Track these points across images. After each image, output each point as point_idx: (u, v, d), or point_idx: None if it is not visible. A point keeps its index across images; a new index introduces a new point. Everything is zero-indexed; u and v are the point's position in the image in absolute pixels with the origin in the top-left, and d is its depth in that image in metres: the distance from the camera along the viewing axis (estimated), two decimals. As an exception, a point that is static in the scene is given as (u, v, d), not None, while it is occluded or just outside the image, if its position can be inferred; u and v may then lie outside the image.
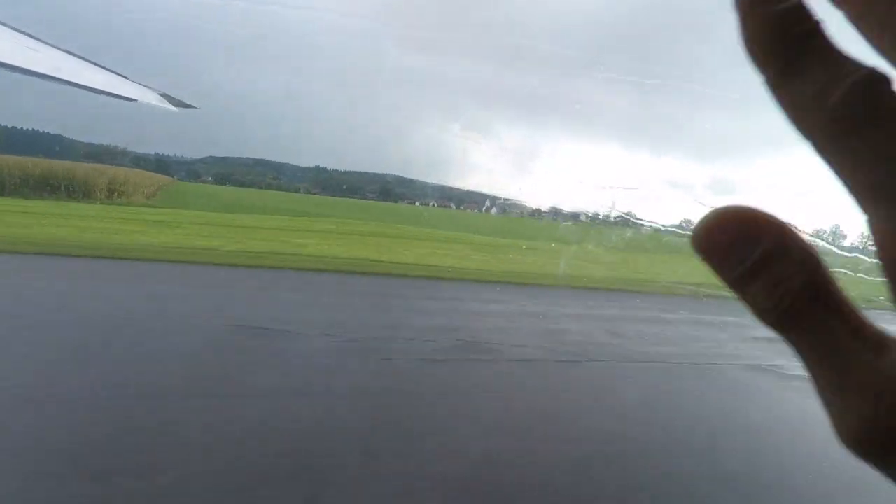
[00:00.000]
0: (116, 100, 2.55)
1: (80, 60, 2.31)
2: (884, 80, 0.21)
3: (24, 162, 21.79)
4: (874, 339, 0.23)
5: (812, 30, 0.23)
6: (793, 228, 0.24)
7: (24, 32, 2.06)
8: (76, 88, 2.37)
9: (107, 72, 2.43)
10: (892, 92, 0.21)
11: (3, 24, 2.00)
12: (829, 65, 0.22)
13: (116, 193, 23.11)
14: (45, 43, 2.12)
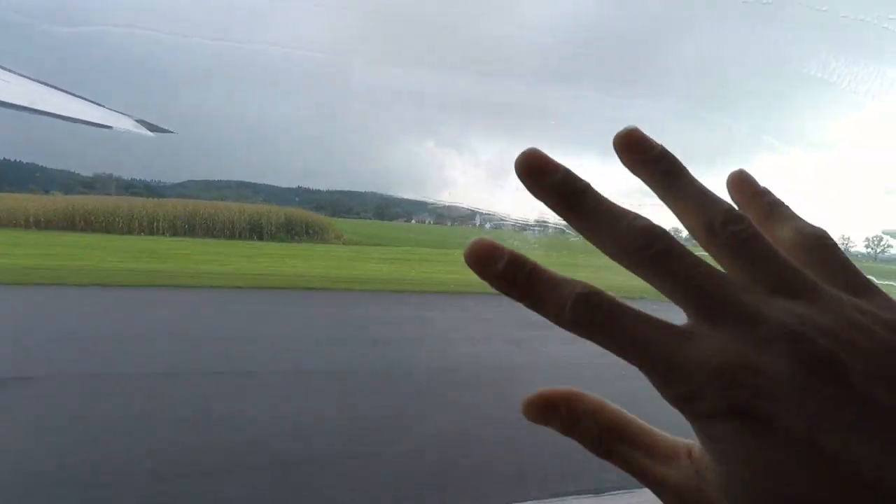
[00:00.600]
0: (89, 126, 2.48)
1: (51, 89, 2.25)
2: (592, 295, 0.28)
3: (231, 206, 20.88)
4: (664, 453, 0.30)
5: (582, 189, 0.31)
6: (582, 397, 0.32)
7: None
8: (48, 117, 2.31)
9: (80, 99, 2.38)
10: (607, 302, 0.27)
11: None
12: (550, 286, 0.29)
13: (309, 233, 22.33)
14: (14, 72, 2.06)
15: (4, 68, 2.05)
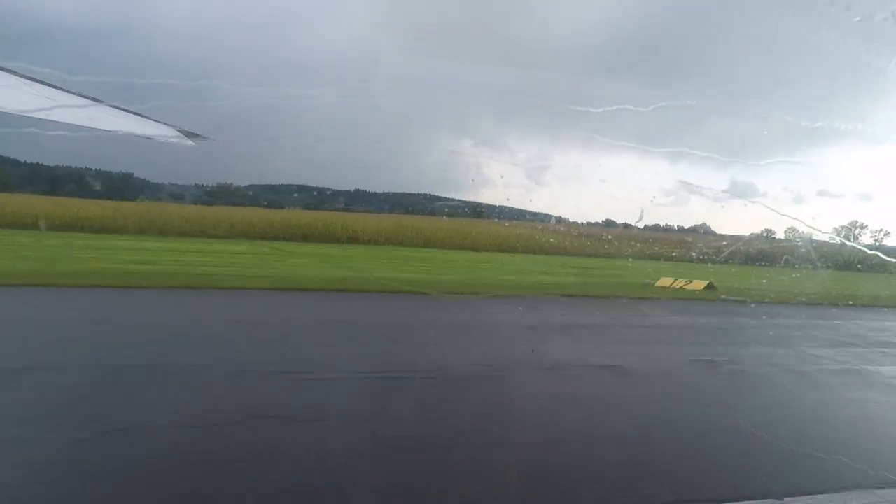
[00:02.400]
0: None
1: (99, 105, 2.43)
2: None
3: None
4: None
5: None
6: None
7: (40, 81, 2.18)
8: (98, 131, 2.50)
9: (125, 113, 2.55)
10: None
11: (14, 74, 2.13)
12: None
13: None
14: (61, 89, 2.24)
15: (56, 87, 2.24)
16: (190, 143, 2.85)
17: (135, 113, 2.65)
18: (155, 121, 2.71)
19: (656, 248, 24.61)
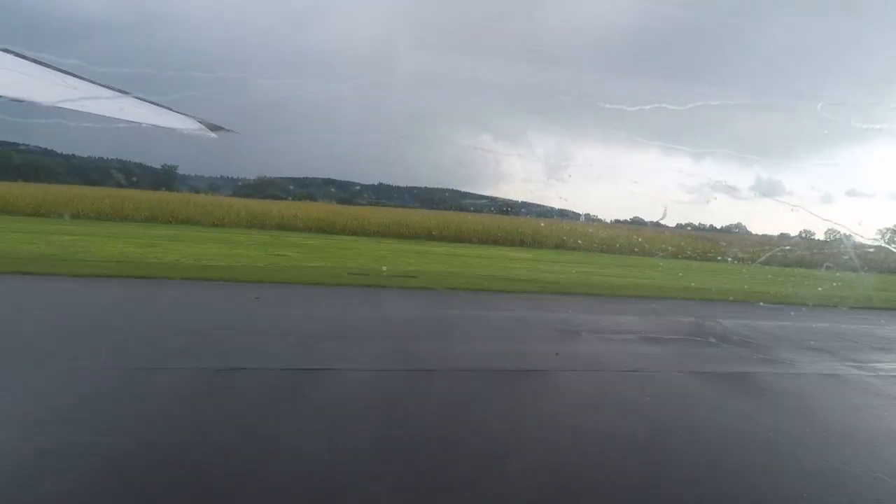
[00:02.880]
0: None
1: (122, 95, 2.44)
2: None
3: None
4: None
5: None
6: None
7: (67, 72, 2.20)
8: (119, 121, 2.51)
9: (150, 104, 2.56)
10: None
11: (41, 64, 2.14)
12: None
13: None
14: (85, 79, 2.25)
15: (80, 77, 2.26)
16: (212, 135, 2.85)
17: (159, 104, 2.65)
18: (179, 112, 2.71)
19: (688, 250, 24.23)
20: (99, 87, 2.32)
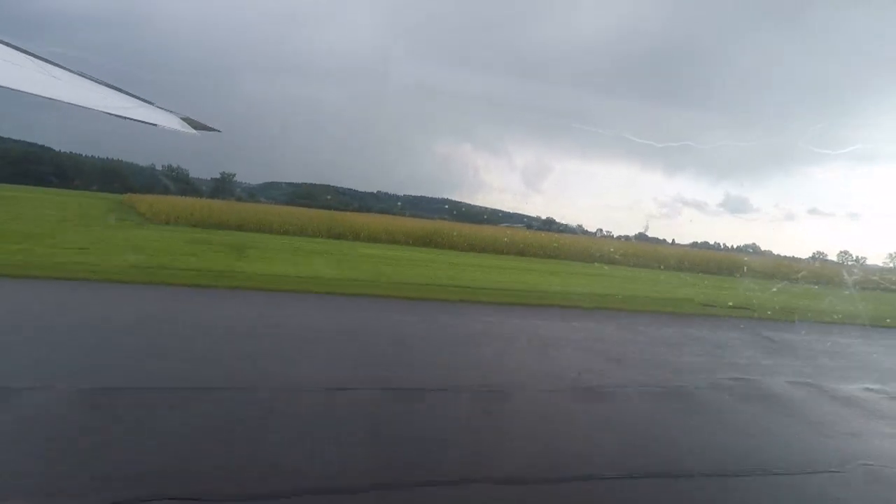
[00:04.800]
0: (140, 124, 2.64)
1: (104, 87, 2.41)
2: None
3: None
4: None
5: None
6: None
7: (47, 60, 2.17)
8: (101, 114, 2.47)
9: (130, 97, 2.53)
10: None
11: (26, 53, 2.11)
12: None
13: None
14: (68, 69, 2.22)
15: (61, 66, 2.23)
16: (195, 132, 2.81)
17: (141, 98, 2.62)
18: (159, 107, 2.68)
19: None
20: (74, 74, 2.29)
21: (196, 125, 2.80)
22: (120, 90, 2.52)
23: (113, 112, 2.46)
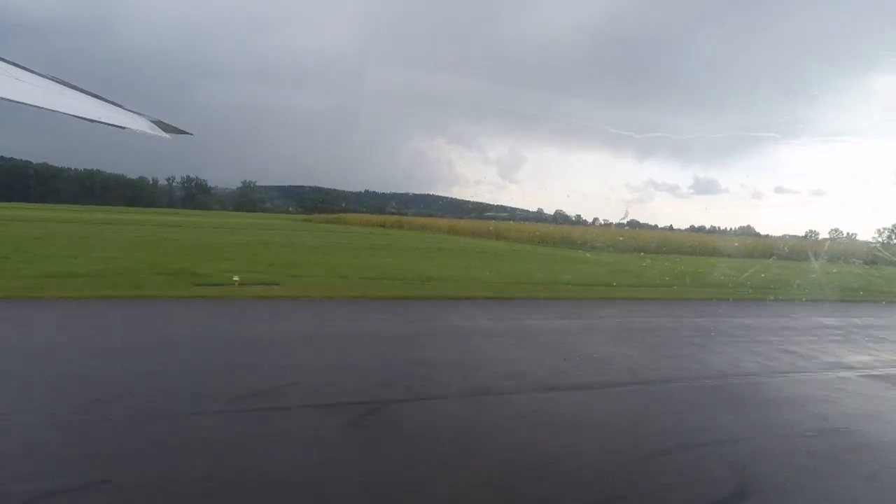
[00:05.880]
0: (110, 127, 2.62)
1: (70, 90, 2.39)
2: None
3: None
4: None
5: None
6: None
7: (10, 62, 2.15)
8: (67, 117, 2.45)
9: (98, 100, 2.51)
10: None
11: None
12: None
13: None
14: (33, 72, 2.20)
15: (25, 68, 2.21)
16: (166, 136, 2.79)
17: (108, 100, 2.61)
18: (128, 110, 2.66)
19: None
20: (41, 77, 2.27)
21: (167, 128, 2.78)
22: (88, 92, 2.51)
23: (81, 115, 2.44)
